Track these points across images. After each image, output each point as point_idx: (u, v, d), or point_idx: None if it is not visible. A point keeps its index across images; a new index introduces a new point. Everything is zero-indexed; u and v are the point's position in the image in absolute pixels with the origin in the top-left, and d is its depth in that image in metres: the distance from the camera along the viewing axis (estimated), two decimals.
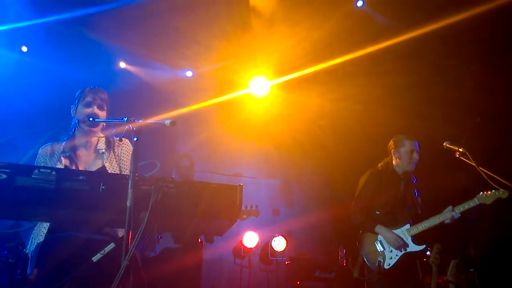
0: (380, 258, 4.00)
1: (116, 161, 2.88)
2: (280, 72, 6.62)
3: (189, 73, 6.92)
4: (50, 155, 2.80)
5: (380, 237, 4.10)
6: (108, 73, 6.43)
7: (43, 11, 5.62)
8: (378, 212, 4.17)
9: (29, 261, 2.67)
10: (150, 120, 2.33)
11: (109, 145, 2.93)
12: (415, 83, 5.98)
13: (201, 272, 4.75)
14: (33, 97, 6.05)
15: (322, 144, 6.87)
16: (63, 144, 2.85)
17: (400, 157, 4.26)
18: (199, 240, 4.78)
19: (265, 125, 6.84)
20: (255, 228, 6.20)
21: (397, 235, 4.05)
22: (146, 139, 2.37)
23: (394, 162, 4.32)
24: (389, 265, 3.98)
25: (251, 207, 5.04)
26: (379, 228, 4.09)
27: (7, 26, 5.68)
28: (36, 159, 2.81)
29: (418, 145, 4.29)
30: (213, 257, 5.68)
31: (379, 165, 4.39)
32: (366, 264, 4.07)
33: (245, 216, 4.99)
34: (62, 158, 2.77)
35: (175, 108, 6.15)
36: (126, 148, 2.96)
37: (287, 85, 6.69)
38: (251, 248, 6.15)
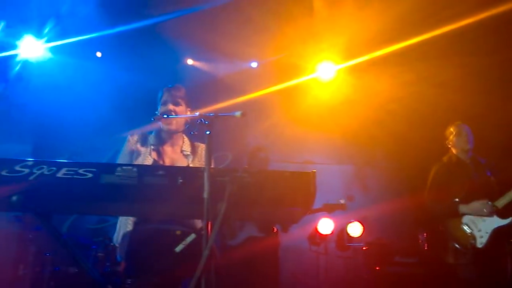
0: (472, 240, 4.06)
1: (200, 164, 2.98)
2: (347, 56, 6.43)
3: (254, 64, 6.95)
4: (142, 142, 2.97)
5: (465, 219, 4.13)
6: (177, 70, 6.65)
7: (115, 20, 5.89)
8: (457, 200, 4.22)
9: (117, 250, 2.85)
10: (221, 113, 2.37)
11: (194, 149, 3.05)
12: (497, 64, 5.61)
13: (279, 260, 4.81)
14: (110, 101, 6.40)
15: (391, 130, 6.63)
16: (151, 135, 3.01)
17: (454, 145, 4.48)
18: (275, 229, 4.84)
19: (330, 111, 6.70)
20: (329, 214, 6.14)
21: (482, 202, 4.10)
22: (216, 132, 2.42)
23: (454, 151, 4.48)
24: (482, 243, 4.03)
25: (338, 200, 5.09)
26: (463, 207, 4.14)
27: (82, 36, 6.02)
28: (125, 144, 2.99)
29: (465, 128, 4.45)
30: (288, 245, 5.70)
31: (443, 157, 4.54)
32: (458, 248, 4.11)
33: (332, 210, 5.05)
34: (152, 150, 2.93)
35: (241, 99, 6.23)
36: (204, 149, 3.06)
37: (354, 69, 6.51)
38: (326, 234, 6.11)
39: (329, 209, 5.09)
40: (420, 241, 5.77)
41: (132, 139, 3.01)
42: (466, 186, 4.23)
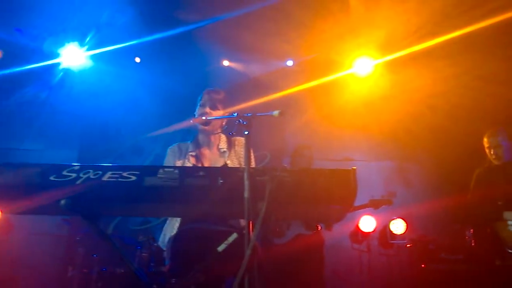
0: None
1: (237, 159, 3.01)
2: (385, 51, 6.30)
3: (289, 63, 6.94)
4: (179, 154, 3.03)
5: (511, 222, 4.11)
6: (213, 72, 6.72)
7: (153, 27, 6.03)
8: (500, 203, 4.21)
9: (164, 253, 2.91)
10: (259, 113, 2.38)
11: (230, 144, 3.08)
12: None
13: (324, 258, 4.78)
14: (150, 105, 6.56)
15: (432, 126, 6.46)
16: (189, 143, 3.07)
17: (489, 153, 4.49)
18: (319, 228, 4.82)
19: (367, 106, 6.59)
20: (371, 212, 6.05)
21: None
22: (254, 131, 2.43)
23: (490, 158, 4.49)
24: None
25: (383, 196, 5.03)
26: (507, 214, 4.14)
27: (120, 44, 6.18)
28: (165, 158, 3.07)
29: (498, 138, 4.39)
30: (330, 243, 5.65)
31: (485, 162, 4.56)
32: (506, 250, 4.09)
33: (379, 206, 4.99)
34: (190, 156, 2.98)
35: (277, 97, 6.23)
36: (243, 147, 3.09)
37: (392, 64, 6.37)
38: (368, 232, 6.02)
39: (375, 205, 5.02)
40: (466, 238, 5.60)
41: (172, 152, 3.07)
42: (507, 190, 4.20)
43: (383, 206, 5.08)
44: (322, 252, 4.80)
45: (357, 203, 2.26)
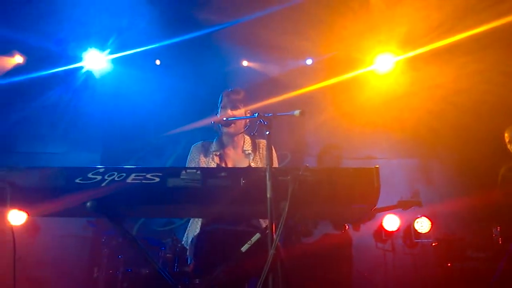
0: None
1: (261, 161, 3.01)
2: (407, 47, 6.21)
3: (309, 61, 6.91)
4: (204, 152, 3.05)
5: None
6: (233, 73, 6.75)
7: (172, 31, 6.08)
8: None
9: (188, 252, 2.94)
10: (280, 113, 2.37)
11: (255, 146, 3.09)
12: None
13: (352, 257, 4.73)
14: (170, 107, 6.62)
15: (455, 123, 6.34)
16: (213, 143, 3.09)
17: (510, 148, 4.44)
18: (347, 227, 4.79)
19: (388, 104, 6.50)
20: (395, 211, 5.98)
21: None
22: (275, 131, 2.42)
23: None
24: None
25: (412, 196, 4.92)
26: None
27: (141, 48, 6.26)
28: (189, 155, 3.08)
29: None
30: (354, 242, 5.62)
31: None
32: None
33: (408, 207, 4.88)
34: (214, 156, 3.00)
35: (297, 96, 6.21)
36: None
37: (413, 61, 6.29)
38: (392, 231, 5.94)
39: (404, 206, 4.90)
40: (493, 235, 5.48)
41: (196, 149, 3.09)
42: None
43: (412, 207, 4.95)
44: (350, 251, 4.73)
45: (378, 201, 2.23)
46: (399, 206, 4.90)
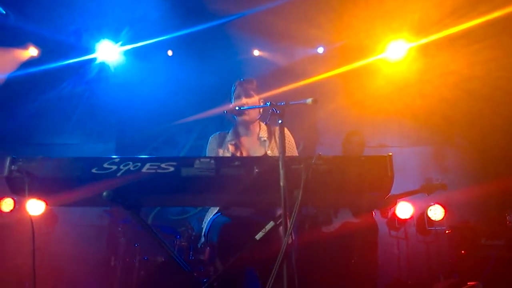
0: None
1: (276, 147, 3.02)
2: (420, 34, 6.13)
3: (320, 50, 6.88)
4: (219, 142, 3.09)
5: None
6: (245, 63, 6.75)
7: (184, 22, 6.09)
8: None
9: (201, 238, 2.98)
10: (292, 101, 2.38)
11: (270, 133, 3.11)
12: None
13: (377, 245, 4.70)
14: (183, 97, 6.66)
15: (469, 110, 6.26)
16: (229, 132, 3.12)
17: None
18: (373, 214, 4.77)
19: (400, 92, 6.45)
20: (407, 198, 5.96)
21: None
22: (287, 120, 2.43)
23: None
24: None
25: (437, 180, 4.86)
26: None
27: (154, 39, 6.29)
28: (208, 146, 3.14)
29: None
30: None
31: None
32: None
33: (432, 190, 4.82)
34: (229, 145, 3.04)
35: (308, 84, 6.20)
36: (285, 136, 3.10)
37: (426, 48, 6.21)
38: (405, 219, 5.91)
39: (429, 190, 4.84)
40: (508, 223, 5.44)
41: (214, 139, 3.12)
42: None
43: (437, 191, 4.87)
44: (374, 239, 4.66)
45: (392, 189, 2.23)
46: (423, 190, 4.84)
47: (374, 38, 6.42)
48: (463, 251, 5.46)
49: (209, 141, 3.15)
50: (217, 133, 3.18)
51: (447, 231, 5.89)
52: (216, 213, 2.90)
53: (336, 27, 6.23)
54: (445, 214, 5.86)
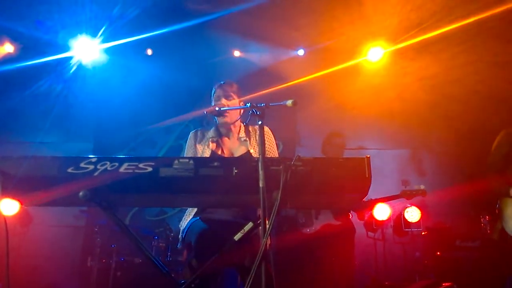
0: None
1: (257, 145, 3.04)
2: (398, 38, 6.23)
3: (300, 52, 6.92)
4: (200, 139, 3.11)
5: None
6: (225, 63, 6.74)
7: (163, 21, 6.04)
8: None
9: (179, 241, 2.97)
10: (272, 103, 2.39)
11: (248, 132, 3.14)
12: None
13: (354, 247, 4.76)
14: (161, 97, 6.60)
15: (446, 113, 6.37)
16: (211, 130, 3.13)
17: None
18: (350, 216, 4.83)
19: (380, 95, 6.53)
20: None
21: None
22: (267, 121, 2.44)
23: None
24: None
25: (418, 186, 4.92)
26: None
27: (133, 37, 6.22)
28: (187, 142, 3.15)
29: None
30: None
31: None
32: (505, 230, 3.86)
33: (412, 196, 4.88)
34: (210, 142, 3.06)
35: (289, 87, 6.22)
36: (266, 134, 3.12)
37: (405, 52, 6.30)
38: (383, 220, 5.98)
39: (408, 196, 4.91)
40: (482, 225, 5.56)
41: (194, 135, 3.13)
42: None
43: (416, 196, 4.95)
44: (352, 241, 4.75)
45: (370, 191, 2.25)
46: (403, 196, 4.91)
47: (354, 42, 6.48)
48: (438, 252, 5.55)
49: (189, 136, 3.16)
50: (198, 129, 3.20)
51: (423, 233, 5.98)
52: (194, 216, 2.88)
53: (316, 30, 6.28)
54: (421, 216, 5.95)
